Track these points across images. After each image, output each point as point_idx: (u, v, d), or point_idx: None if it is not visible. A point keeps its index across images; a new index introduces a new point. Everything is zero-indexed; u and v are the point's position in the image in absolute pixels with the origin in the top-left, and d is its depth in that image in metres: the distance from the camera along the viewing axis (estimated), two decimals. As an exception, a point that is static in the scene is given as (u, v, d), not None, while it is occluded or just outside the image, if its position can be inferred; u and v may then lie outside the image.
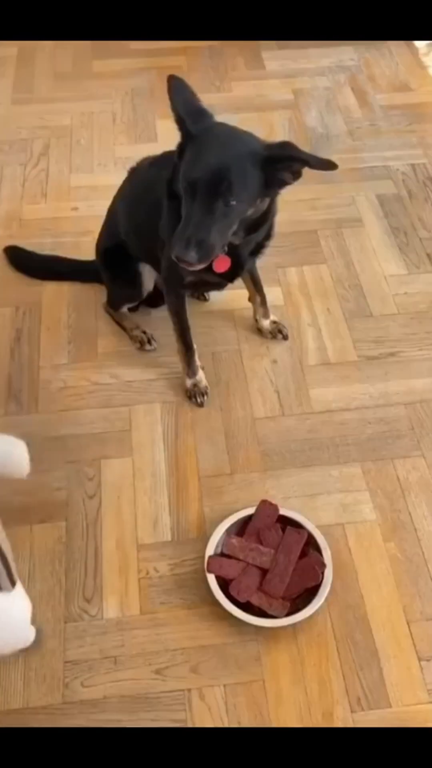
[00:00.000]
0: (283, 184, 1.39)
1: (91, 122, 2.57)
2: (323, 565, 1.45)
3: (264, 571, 1.45)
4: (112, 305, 1.92)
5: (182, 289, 1.70)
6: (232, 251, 1.51)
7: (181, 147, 1.40)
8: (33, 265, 2.07)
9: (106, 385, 1.82)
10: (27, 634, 1.21)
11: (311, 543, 1.49)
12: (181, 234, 1.34)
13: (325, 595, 1.41)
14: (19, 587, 1.07)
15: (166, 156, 1.74)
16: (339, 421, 1.74)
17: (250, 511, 1.54)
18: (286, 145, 1.38)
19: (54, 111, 2.61)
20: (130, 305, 1.91)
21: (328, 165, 1.35)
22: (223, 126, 1.41)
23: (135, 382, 1.83)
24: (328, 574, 1.44)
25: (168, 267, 1.64)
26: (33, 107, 2.63)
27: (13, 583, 1.03)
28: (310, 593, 1.42)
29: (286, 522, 1.52)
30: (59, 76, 2.78)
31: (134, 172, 1.75)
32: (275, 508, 1.53)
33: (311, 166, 1.35)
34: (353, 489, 1.62)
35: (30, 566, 1.49)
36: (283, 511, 1.53)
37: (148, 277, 1.82)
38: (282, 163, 1.36)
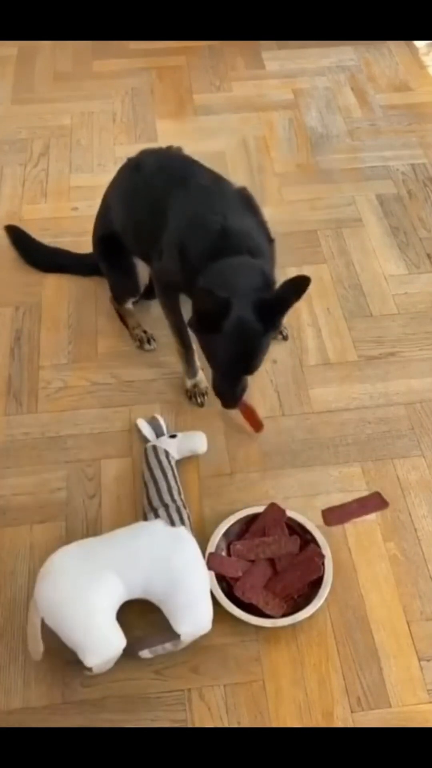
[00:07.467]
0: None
1: (91, 122, 2.57)
2: (322, 556, 1.45)
3: (273, 565, 1.45)
4: (116, 298, 1.92)
5: (175, 291, 1.69)
6: None
7: (211, 318, 1.44)
8: (33, 252, 2.07)
9: (106, 385, 1.82)
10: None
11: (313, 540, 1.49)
12: (224, 389, 1.57)
13: (325, 596, 1.41)
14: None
15: (169, 155, 1.74)
16: (339, 421, 1.74)
17: (251, 511, 1.54)
18: (283, 307, 1.47)
19: (54, 111, 2.61)
20: (133, 299, 1.90)
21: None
22: (241, 314, 1.43)
23: (135, 382, 1.83)
24: (329, 574, 1.43)
25: (160, 270, 1.65)
26: (33, 107, 2.63)
27: None
28: (311, 591, 1.42)
29: (290, 523, 1.52)
30: (59, 76, 2.78)
31: (137, 169, 1.72)
32: (282, 512, 1.52)
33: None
34: (353, 489, 1.62)
35: (30, 566, 1.49)
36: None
37: (143, 269, 1.81)
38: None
